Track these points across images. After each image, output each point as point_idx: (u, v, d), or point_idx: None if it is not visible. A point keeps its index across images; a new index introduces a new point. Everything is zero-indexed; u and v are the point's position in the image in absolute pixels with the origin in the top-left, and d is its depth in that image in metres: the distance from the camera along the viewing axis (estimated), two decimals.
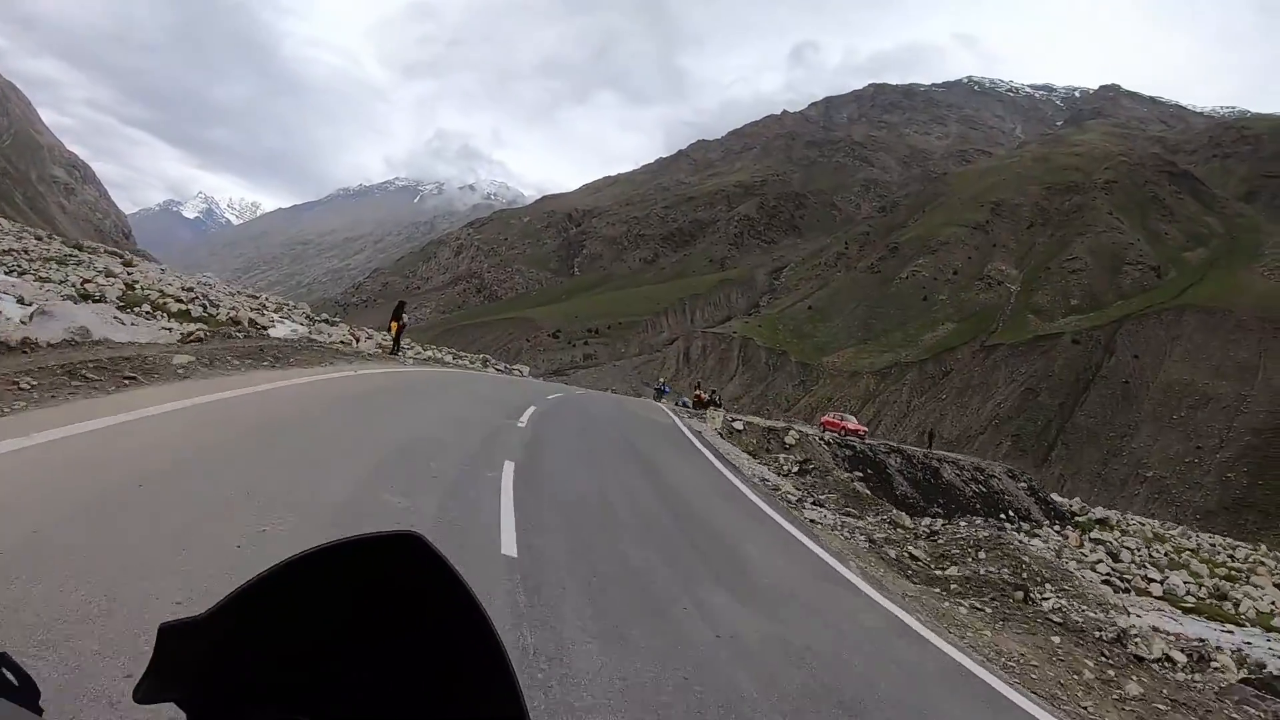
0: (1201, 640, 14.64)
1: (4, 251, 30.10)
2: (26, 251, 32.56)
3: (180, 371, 11.88)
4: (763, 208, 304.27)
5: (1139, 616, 17.97)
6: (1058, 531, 43.76)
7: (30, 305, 15.80)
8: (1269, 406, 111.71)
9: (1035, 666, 8.42)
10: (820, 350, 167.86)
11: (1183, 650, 10.81)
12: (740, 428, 33.01)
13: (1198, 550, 47.12)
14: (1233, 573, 40.46)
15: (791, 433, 33.76)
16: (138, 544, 5.00)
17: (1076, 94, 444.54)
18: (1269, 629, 27.27)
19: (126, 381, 10.26)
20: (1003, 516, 42.25)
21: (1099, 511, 54.91)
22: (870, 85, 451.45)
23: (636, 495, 12.40)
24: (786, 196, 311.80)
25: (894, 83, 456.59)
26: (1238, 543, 58.87)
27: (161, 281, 35.05)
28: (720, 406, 53.83)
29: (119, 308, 21.22)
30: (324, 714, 0.86)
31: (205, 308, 31.49)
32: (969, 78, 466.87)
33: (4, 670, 0.83)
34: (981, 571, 12.61)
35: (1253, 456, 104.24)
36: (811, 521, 14.44)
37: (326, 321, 42.61)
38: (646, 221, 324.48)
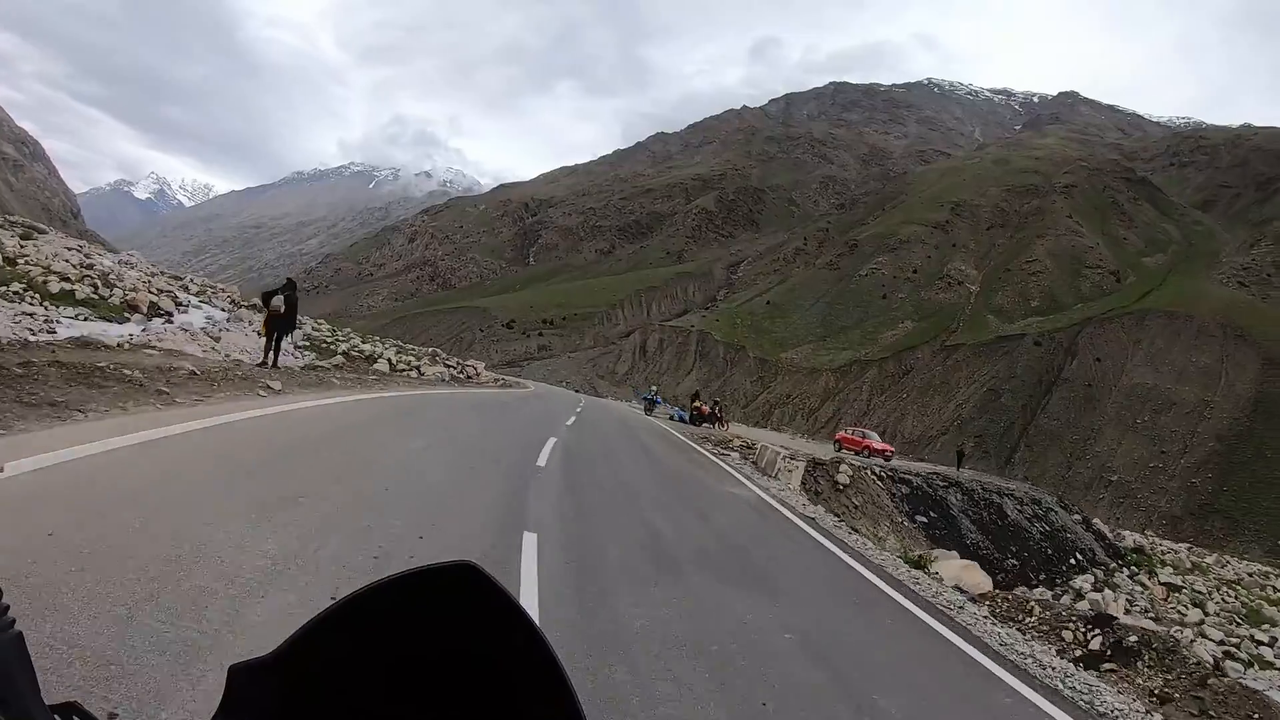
0: None
1: None
2: None
3: None
4: (721, 201, 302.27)
5: None
6: (1131, 576, 40.20)
7: None
8: (1232, 413, 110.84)
9: None
10: (779, 346, 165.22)
11: None
12: (844, 481, 29.22)
13: (1239, 581, 44.28)
14: None
15: (843, 468, 29.89)
16: None
17: (1035, 99, 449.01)
18: None
19: None
20: (1072, 561, 38.02)
21: (1128, 537, 51.88)
22: (831, 83, 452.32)
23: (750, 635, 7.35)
24: (745, 191, 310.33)
25: (855, 82, 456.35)
26: (1268, 569, 56.15)
27: (57, 257, 30.30)
28: (724, 421, 50.45)
29: None
30: None
31: (97, 288, 26.77)
32: (929, 79, 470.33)
33: (75, 718, 0.82)
34: None
35: (1218, 462, 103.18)
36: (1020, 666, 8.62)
37: (256, 308, 36.94)
38: (603, 213, 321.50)
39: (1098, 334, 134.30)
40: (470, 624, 0.93)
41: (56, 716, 0.86)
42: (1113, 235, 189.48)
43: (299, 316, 27.73)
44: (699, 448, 31.81)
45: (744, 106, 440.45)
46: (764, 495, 18.86)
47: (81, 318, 23.18)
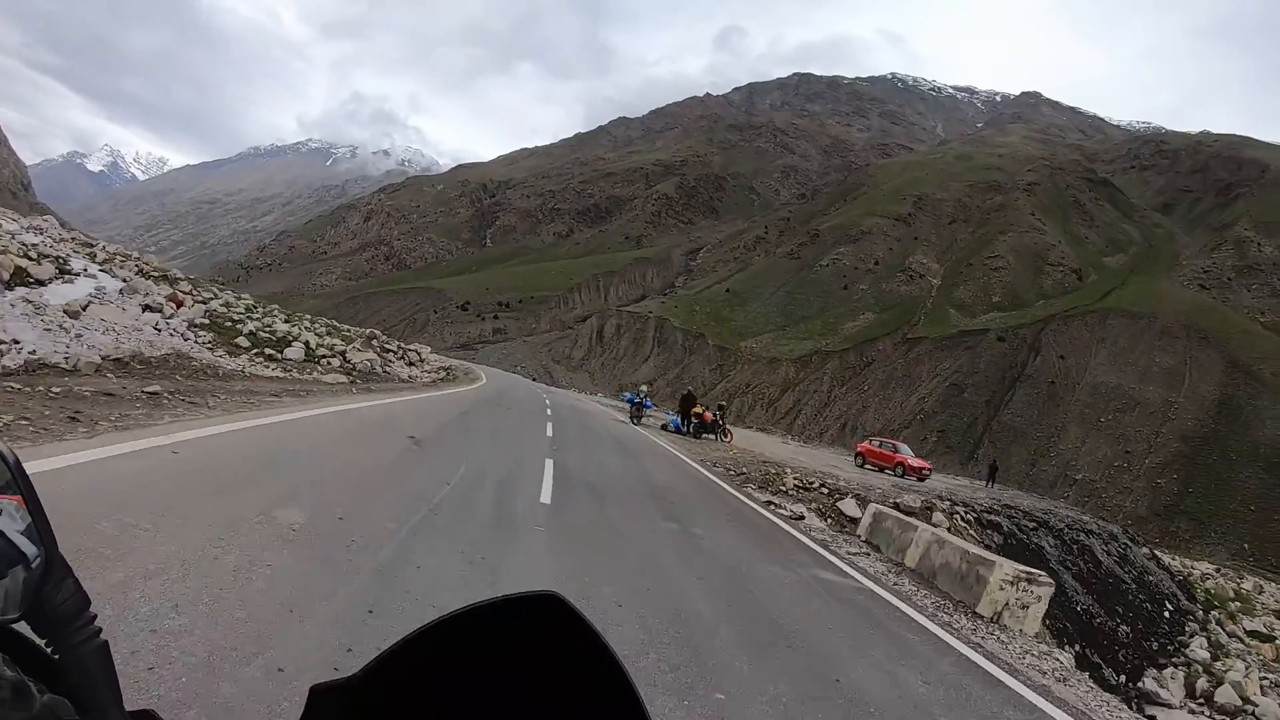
0: None
1: None
2: None
3: None
4: (681, 188, 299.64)
5: None
6: (1217, 622, 35.84)
7: None
8: (1197, 415, 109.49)
9: None
10: (738, 335, 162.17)
11: None
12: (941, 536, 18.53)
13: None
14: None
15: (937, 515, 22.34)
16: None
17: (998, 98, 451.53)
18: None
19: None
20: (1166, 613, 33.14)
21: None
22: (795, 74, 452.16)
23: None
24: (706, 178, 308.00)
25: (819, 74, 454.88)
26: None
27: None
28: (727, 431, 41.09)
29: None
30: None
31: None
32: (893, 74, 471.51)
33: None
34: None
35: (1182, 464, 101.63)
36: None
37: (165, 278, 31.49)
38: (563, 195, 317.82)
39: (1061, 331, 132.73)
40: (553, 654, 0.91)
41: None
42: (1074, 234, 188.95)
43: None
44: (751, 502, 20.68)
45: (707, 94, 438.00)
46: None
47: None
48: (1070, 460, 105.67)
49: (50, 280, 22.37)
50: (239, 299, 41.19)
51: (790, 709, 5.64)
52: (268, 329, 28.55)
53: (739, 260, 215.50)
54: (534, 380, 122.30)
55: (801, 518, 17.33)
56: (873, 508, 17.28)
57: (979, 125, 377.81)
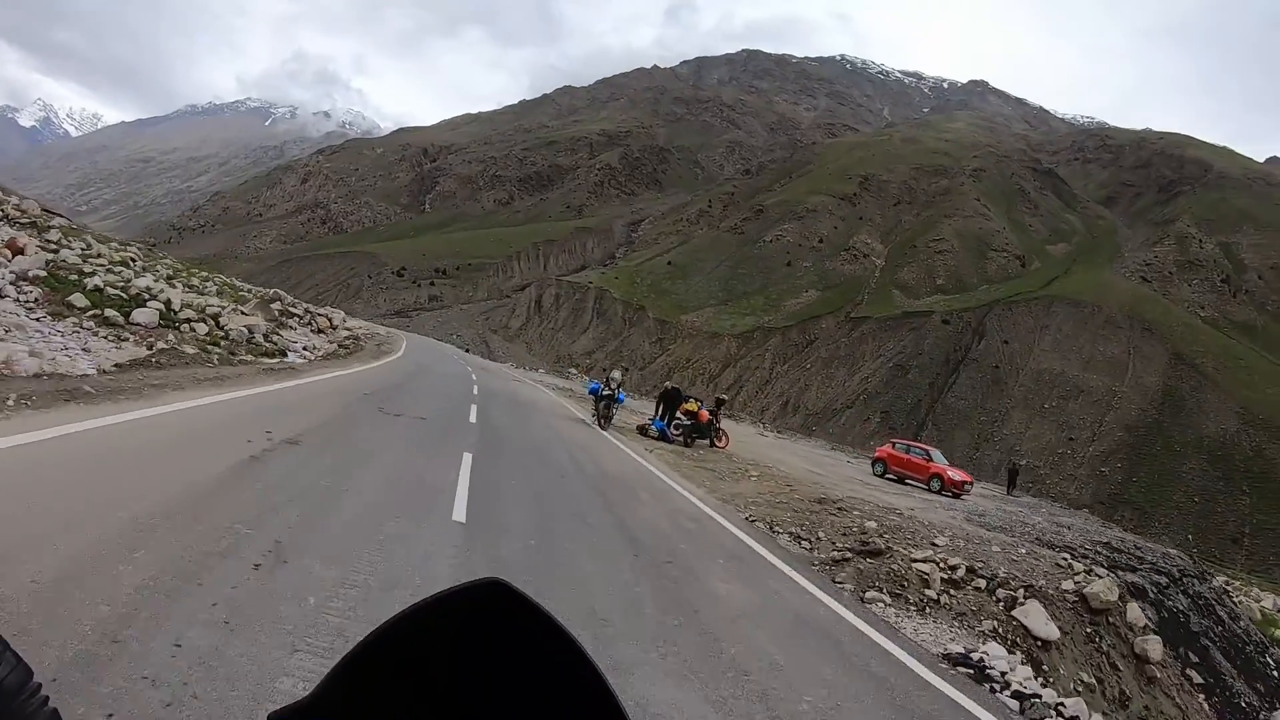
0: None
1: None
2: None
3: None
4: (625, 158, 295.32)
5: None
6: None
7: None
8: (1140, 404, 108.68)
9: None
10: (679, 308, 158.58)
11: None
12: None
13: None
14: None
15: (1132, 610, 13.10)
16: None
17: (945, 85, 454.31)
18: None
19: None
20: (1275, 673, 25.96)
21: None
22: (744, 50, 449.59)
23: None
24: (650, 150, 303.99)
25: (768, 51, 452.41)
26: None
27: None
28: (721, 433, 31.52)
29: None
30: None
31: None
32: (842, 56, 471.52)
33: None
34: None
35: (1126, 453, 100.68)
36: None
37: (34, 225, 25.87)
38: (505, 162, 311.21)
39: (1005, 316, 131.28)
40: (504, 641, 0.85)
41: None
42: (1018, 221, 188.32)
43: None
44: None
45: (655, 66, 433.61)
46: None
47: None
48: (1014, 445, 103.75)
49: None
50: (121, 249, 35.14)
51: None
52: (120, 284, 22.76)
53: (681, 233, 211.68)
54: (466, 351, 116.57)
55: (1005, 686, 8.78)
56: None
57: (925, 110, 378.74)
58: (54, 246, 24.72)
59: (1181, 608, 19.15)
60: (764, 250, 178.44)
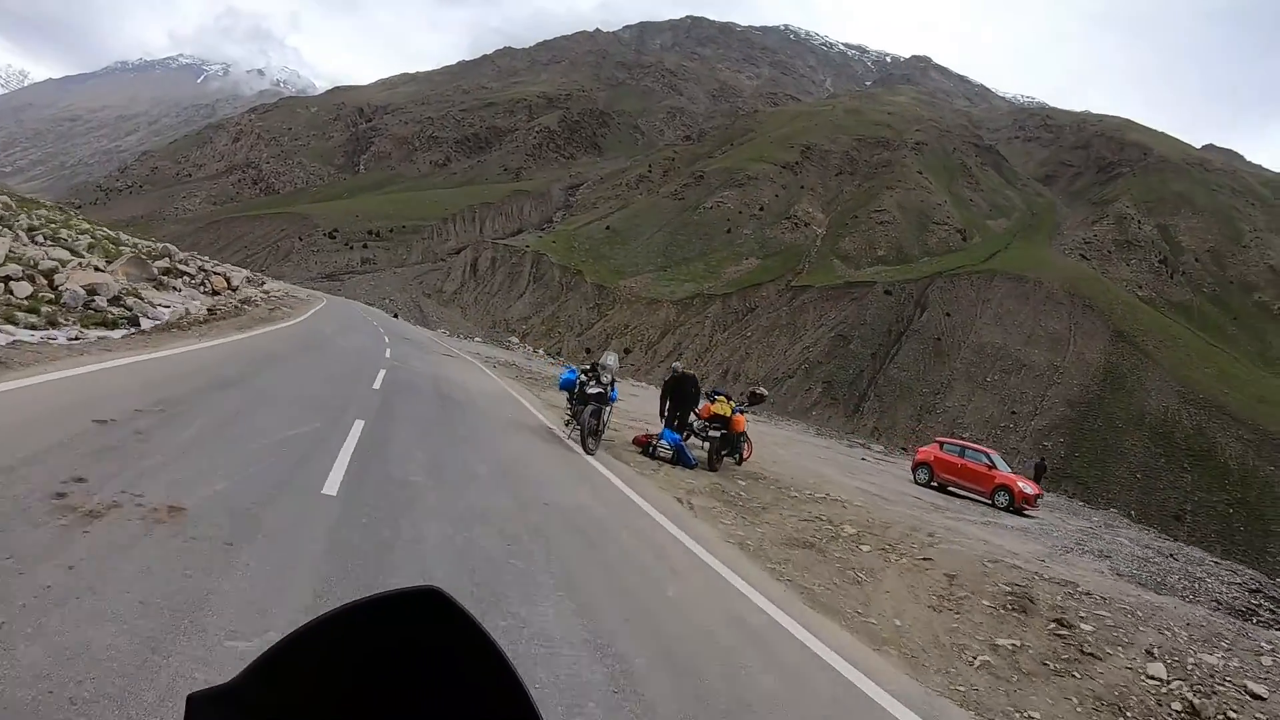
0: None
1: None
2: None
3: None
4: (565, 121, 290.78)
5: None
6: None
7: None
8: (1081, 380, 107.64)
9: None
10: (617, 274, 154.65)
11: None
12: None
13: None
14: None
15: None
16: None
17: (888, 59, 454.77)
18: None
19: None
20: None
21: None
22: (688, 17, 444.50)
23: None
24: (590, 113, 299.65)
25: (712, 18, 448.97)
26: None
27: None
28: (742, 443, 21.35)
29: None
30: None
31: None
32: (786, 25, 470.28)
33: None
34: None
35: (1069, 428, 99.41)
36: None
37: None
38: (441, 123, 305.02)
39: (947, 289, 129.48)
40: (435, 648, 0.81)
41: None
42: (959, 196, 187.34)
43: None
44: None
45: (597, 29, 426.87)
46: None
47: None
48: (956, 418, 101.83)
49: None
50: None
51: None
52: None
53: (620, 198, 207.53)
54: (395, 316, 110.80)
55: None
56: None
57: (868, 84, 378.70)
58: None
59: None
60: (704, 217, 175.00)
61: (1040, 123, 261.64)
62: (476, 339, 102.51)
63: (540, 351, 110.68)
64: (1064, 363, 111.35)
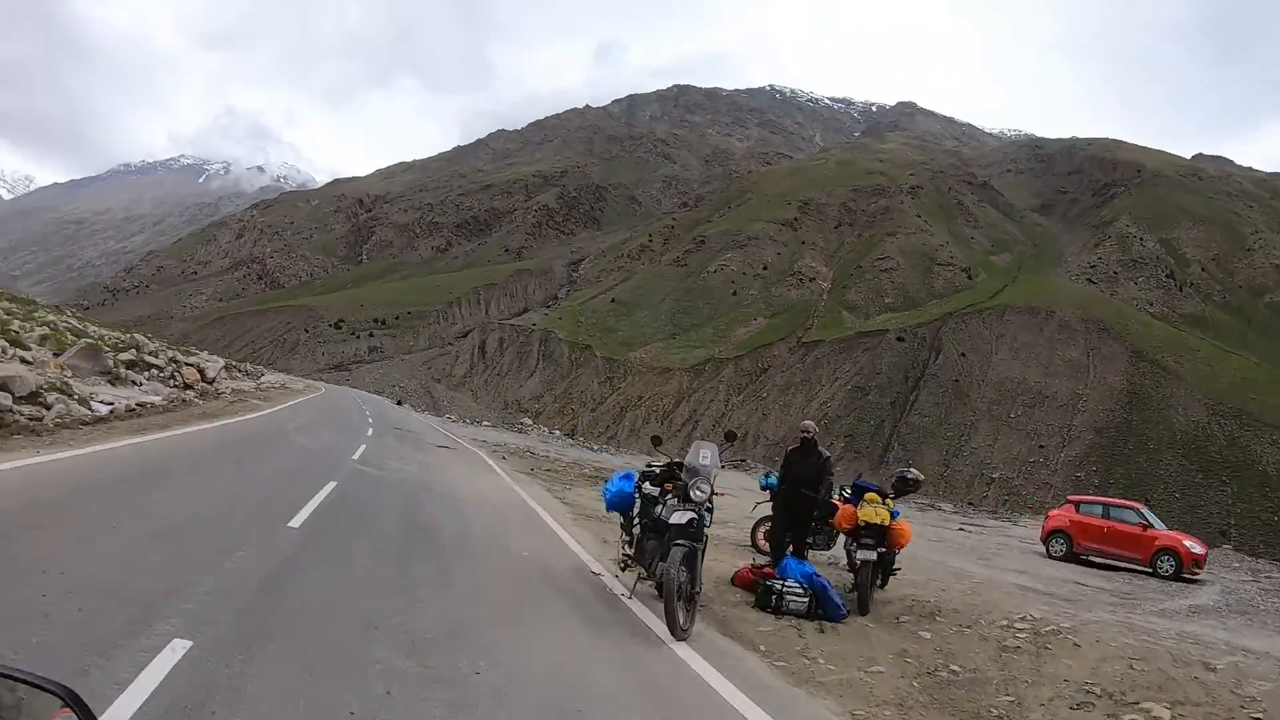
0: None
1: None
2: None
3: None
4: (562, 198, 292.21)
5: None
6: None
7: None
8: (1107, 405, 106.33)
9: None
10: (626, 345, 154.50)
11: None
12: None
13: None
14: None
15: None
16: None
17: (874, 108, 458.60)
18: None
19: None
20: None
21: None
22: (674, 86, 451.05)
23: None
24: (586, 188, 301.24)
25: (698, 85, 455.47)
26: None
27: None
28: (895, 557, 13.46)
29: None
30: None
31: None
32: (771, 85, 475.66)
33: None
34: None
35: (1099, 455, 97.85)
36: None
37: None
38: (441, 209, 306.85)
39: (960, 329, 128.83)
40: None
41: None
42: (960, 234, 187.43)
43: None
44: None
45: (586, 106, 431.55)
46: None
47: None
48: (984, 459, 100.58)
49: None
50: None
51: None
52: None
53: (623, 269, 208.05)
54: (399, 404, 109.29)
55: None
56: None
57: (857, 134, 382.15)
58: None
59: None
60: (708, 281, 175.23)
61: (1030, 153, 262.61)
62: (485, 423, 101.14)
63: (557, 431, 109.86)
64: (1086, 390, 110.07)
